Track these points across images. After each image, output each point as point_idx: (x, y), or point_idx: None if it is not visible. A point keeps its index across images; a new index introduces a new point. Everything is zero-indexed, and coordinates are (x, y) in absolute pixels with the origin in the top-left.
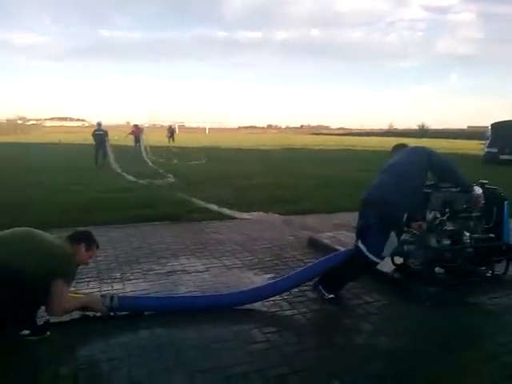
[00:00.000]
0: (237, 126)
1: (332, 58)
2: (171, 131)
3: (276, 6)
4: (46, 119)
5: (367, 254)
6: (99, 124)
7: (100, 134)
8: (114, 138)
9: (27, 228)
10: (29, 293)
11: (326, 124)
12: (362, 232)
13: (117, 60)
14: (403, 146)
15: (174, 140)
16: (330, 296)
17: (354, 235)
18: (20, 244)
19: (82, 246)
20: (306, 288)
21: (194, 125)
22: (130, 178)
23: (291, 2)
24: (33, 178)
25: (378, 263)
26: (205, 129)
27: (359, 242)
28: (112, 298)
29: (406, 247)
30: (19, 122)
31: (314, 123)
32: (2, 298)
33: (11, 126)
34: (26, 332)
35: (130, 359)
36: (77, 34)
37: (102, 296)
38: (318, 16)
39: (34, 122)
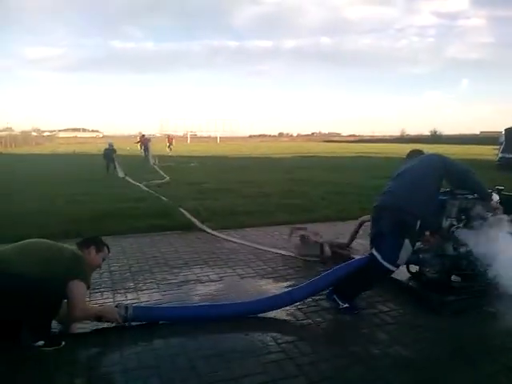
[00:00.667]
0: (248, 135)
1: (342, 65)
2: (170, 141)
3: (286, 14)
4: (60, 130)
5: (382, 261)
6: (110, 144)
7: (109, 150)
8: (126, 149)
9: (36, 239)
10: (43, 300)
11: (337, 131)
12: (375, 239)
13: (129, 71)
14: (418, 152)
15: (171, 149)
16: (345, 305)
17: (368, 243)
18: (30, 254)
19: (91, 248)
20: (320, 297)
21: (205, 134)
22: (136, 183)
23: (301, 10)
24: (47, 188)
25: (393, 271)
26: (216, 138)
27: (373, 249)
28: (127, 307)
29: (421, 255)
30: (34, 133)
31: (325, 130)
32: (17, 308)
33: (26, 137)
34: (41, 343)
35: (144, 370)
36: (89, 45)
37: (116, 306)
38: (327, 24)
39: (49, 134)
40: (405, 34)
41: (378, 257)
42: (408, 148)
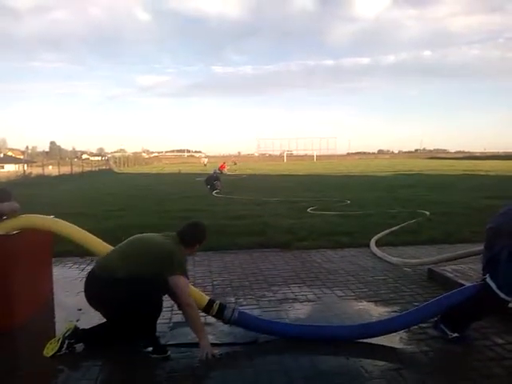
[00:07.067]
0: (345, 153)
1: (446, 78)
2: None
3: (383, 30)
4: (166, 152)
5: (497, 291)
6: (215, 171)
7: (212, 177)
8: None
9: (137, 237)
10: (145, 300)
11: (443, 147)
12: (489, 266)
13: (229, 94)
14: None
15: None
16: (454, 335)
17: (479, 268)
18: (131, 258)
19: (195, 247)
20: (426, 325)
21: (301, 153)
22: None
23: (399, 25)
24: (155, 204)
25: (509, 302)
26: (313, 156)
27: (488, 277)
28: (234, 310)
29: None
30: (144, 154)
31: (429, 147)
32: (123, 309)
33: (137, 158)
34: (150, 349)
35: None
36: (192, 72)
37: (225, 305)
38: (429, 37)
39: (157, 155)
40: None
41: (493, 286)
42: None
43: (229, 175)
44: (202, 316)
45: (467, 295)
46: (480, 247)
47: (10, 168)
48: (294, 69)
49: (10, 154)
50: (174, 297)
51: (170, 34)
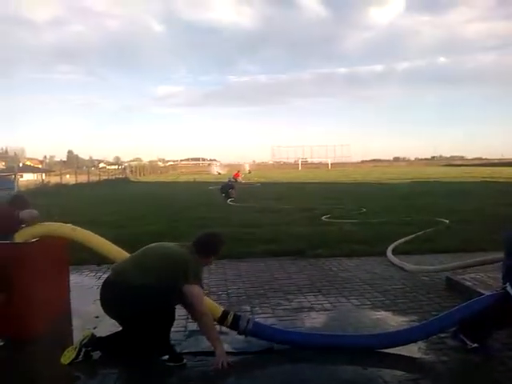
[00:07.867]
0: (360, 160)
1: (462, 84)
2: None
3: (397, 37)
4: (181, 160)
5: None
6: (230, 180)
7: (227, 185)
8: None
9: (154, 245)
10: (157, 308)
11: (460, 154)
12: (508, 274)
13: (244, 103)
14: None
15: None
16: (474, 345)
17: (499, 277)
18: (145, 266)
19: (211, 257)
20: (444, 335)
21: (316, 160)
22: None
23: (413, 32)
24: (171, 212)
25: None
26: (327, 164)
27: (508, 285)
28: (248, 321)
29: None
30: (159, 163)
31: (446, 154)
32: (136, 318)
33: (153, 167)
34: (166, 357)
35: None
36: (207, 81)
37: (239, 316)
38: (443, 44)
39: (172, 163)
40: None
41: None
42: None
43: (243, 183)
44: (217, 324)
45: (487, 304)
46: (498, 255)
47: (29, 177)
48: (307, 77)
49: (28, 163)
50: (189, 307)
51: (185, 45)
